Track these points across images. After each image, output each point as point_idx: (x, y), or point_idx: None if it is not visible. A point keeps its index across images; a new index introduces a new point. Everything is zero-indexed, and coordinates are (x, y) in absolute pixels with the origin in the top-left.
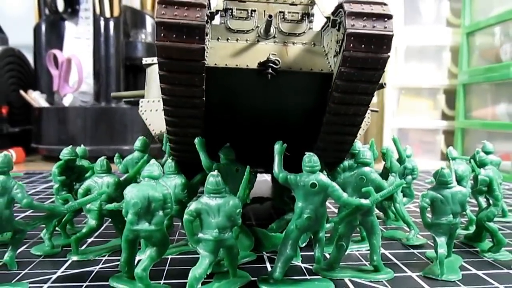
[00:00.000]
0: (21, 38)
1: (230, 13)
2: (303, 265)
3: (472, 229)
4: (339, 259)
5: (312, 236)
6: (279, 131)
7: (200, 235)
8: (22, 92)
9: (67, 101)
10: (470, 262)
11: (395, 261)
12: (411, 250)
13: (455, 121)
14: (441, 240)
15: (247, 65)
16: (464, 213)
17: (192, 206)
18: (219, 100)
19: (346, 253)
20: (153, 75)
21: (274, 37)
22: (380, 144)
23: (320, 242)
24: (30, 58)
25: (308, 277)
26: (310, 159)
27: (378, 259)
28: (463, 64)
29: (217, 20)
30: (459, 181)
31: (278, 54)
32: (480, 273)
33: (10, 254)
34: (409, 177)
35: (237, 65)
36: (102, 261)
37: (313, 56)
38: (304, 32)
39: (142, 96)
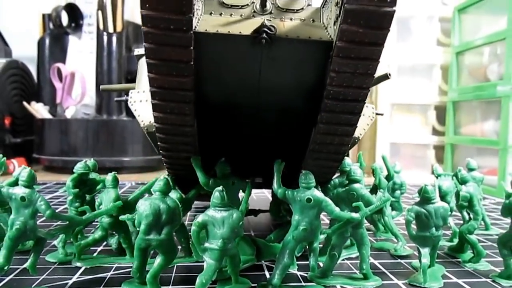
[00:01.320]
0: (24, 51)
1: None
2: (298, 273)
3: (456, 241)
4: (331, 268)
5: (307, 246)
6: (277, 124)
7: (207, 244)
8: (25, 103)
9: (69, 113)
10: (452, 272)
11: (383, 270)
12: (399, 260)
13: (445, 136)
14: (425, 251)
15: (240, 32)
16: (449, 226)
17: (200, 218)
18: (210, 76)
19: (338, 262)
20: (144, 66)
21: (270, 12)
22: (373, 158)
23: (315, 251)
24: (32, 70)
25: (303, 284)
26: (306, 176)
27: (367, 267)
28: (452, 82)
29: None
30: (444, 196)
31: (274, 24)
32: (460, 281)
33: (32, 261)
34: (398, 192)
35: (229, 32)
36: (114, 267)
37: (312, 28)
38: (302, 9)
39: (133, 89)
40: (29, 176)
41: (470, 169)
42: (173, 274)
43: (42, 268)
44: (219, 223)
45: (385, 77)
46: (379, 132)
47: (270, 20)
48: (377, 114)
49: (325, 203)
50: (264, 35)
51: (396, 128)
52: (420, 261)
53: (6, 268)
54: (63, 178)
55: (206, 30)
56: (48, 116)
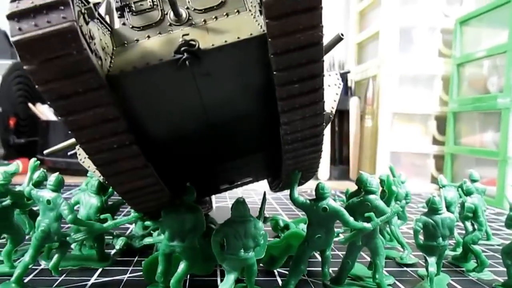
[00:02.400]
0: None
1: (128, 10)
2: (310, 280)
3: (459, 250)
4: (345, 275)
5: (320, 254)
6: (237, 135)
7: (227, 254)
8: (31, 105)
9: None
10: (456, 280)
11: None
12: (405, 268)
13: (445, 146)
14: (431, 260)
15: (160, 59)
16: (452, 236)
17: (221, 228)
18: (149, 116)
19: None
20: None
21: (189, 19)
22: (374, 166)
23: (327, 259)
24: None
25: None
26: (322, 186)
27: (380, 277)
28: (453, 93)
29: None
30: (448, 206)
31: (198, 35)
32: None
33: (55, 262)
34: (403, 201)
35: (148, 64)
36: (129, 270)
37: (240, 23)
38: (222, 2)
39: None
40: (57, 181)
41: (473, 181)
42: (188, 278)
43: (60, 270)
44: (240, 234)
45: (339, 39)
46: (380, 141)
47: (188, 34)
48: (343, 74)
49: (341, 213)
50: (185, 55)
51: (397, 137)
52: (427, 269)
53: (30, 266)
54: (68, 179)
55: (121, 70)
56: (53, 118)
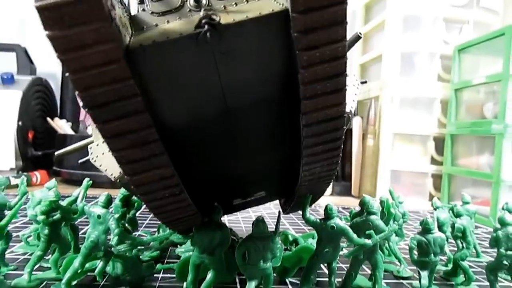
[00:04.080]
0: (46, 68)
1: None
2: None
3: (450, 266)
4: (348, 286)
5: (327, 266)
6: (257, 125)
7: (248, 265)
8: (49, 119)
9: (91, 130)
10: None
11: None
12: (401, 281)
13: (443, 166)
14: (424, 274)
15: (181, 34)
16: (444, 253)
17: (244, 243)
18: (165, 98)
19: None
20: None
21: (209, 5)
22: (375, 184)
23: (334, 271)
24: (53, 86)
25: None
26: (331, 208)
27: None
28: (451, 116)
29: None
30: (441, 226)
31: (219, 14)
32: None
33: (99, 269)
34: (401, 220)
35: (168, 38)
36: (160, 278)
37: (261, 5)
38: None
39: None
40: (106, 199)
41: (465, 203)
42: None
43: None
44: (259, 248)
45: (357, 37)
46: (381, 160)
47: (210, 10)
48: (361, 82)
49: (346, 231)
50: (206, 27)
51: (397, 156)
52: (420, 282)
53: (79, 271)
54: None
55: (140, 44)
56: (70, 132)
